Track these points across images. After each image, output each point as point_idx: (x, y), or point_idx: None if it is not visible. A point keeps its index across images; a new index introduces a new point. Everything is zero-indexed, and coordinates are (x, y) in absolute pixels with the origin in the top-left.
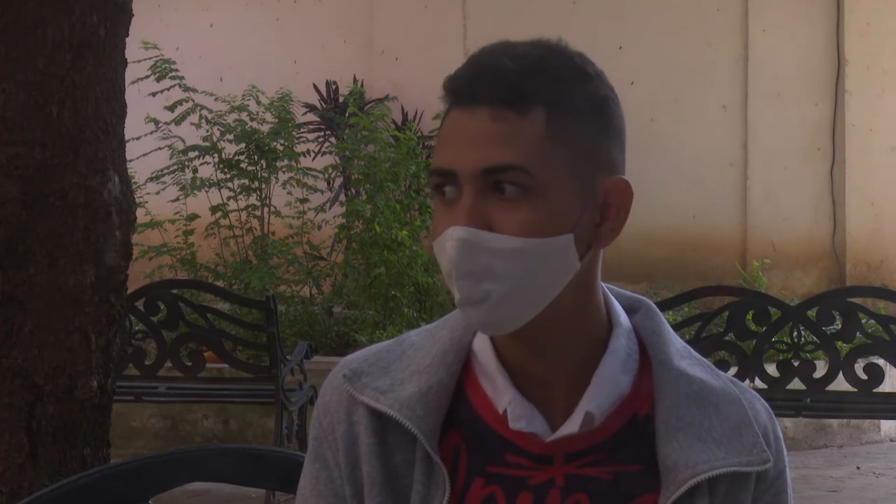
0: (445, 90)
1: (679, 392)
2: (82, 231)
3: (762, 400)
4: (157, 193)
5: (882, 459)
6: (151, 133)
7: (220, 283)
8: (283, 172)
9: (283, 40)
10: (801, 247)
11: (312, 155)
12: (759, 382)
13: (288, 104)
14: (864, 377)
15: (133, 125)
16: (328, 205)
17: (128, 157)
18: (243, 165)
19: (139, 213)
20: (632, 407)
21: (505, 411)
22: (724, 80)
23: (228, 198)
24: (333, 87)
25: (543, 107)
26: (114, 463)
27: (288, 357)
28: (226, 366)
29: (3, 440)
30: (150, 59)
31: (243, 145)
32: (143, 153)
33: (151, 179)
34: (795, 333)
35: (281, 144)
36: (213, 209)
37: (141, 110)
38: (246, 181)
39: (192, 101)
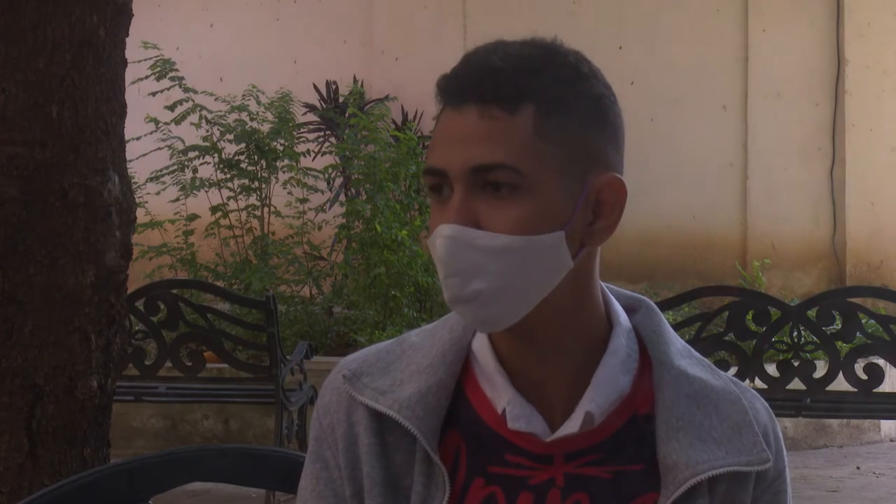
0: (437, 90)
1: (679, 391)
2: (82, 231)
3: (762, 400)
4: (157, 193)
5: (882, 459)
6: (151, 133)
7: (220, 284)
8: (283, 172)
9: (283, 40)
10: (801, 247)
11: (312, 155)
12: (759, 382)
13: (288, 104)
14: (864, 377)
15: (133, 125)
16: (328, 205)
17: (128, 157)
18: (243, 165)
19: (139, 213)
20: (632, 407)
21: (504, 411)
22: (724, 80)
23: (228, 198)
24: (333, 87)
25: (533, 105)
26: (114, 463)
27: (288, 357)
28: (226, 366)
29: (3, 440)
30: (150, 59)
31: (243, 145)
32: (143, 153)
33: (151, 179)
34: (795, 333)
35: (281, 144)
36: (213, 209)
37: (141, 110)
38: (246, 181)
39: (192, 101)
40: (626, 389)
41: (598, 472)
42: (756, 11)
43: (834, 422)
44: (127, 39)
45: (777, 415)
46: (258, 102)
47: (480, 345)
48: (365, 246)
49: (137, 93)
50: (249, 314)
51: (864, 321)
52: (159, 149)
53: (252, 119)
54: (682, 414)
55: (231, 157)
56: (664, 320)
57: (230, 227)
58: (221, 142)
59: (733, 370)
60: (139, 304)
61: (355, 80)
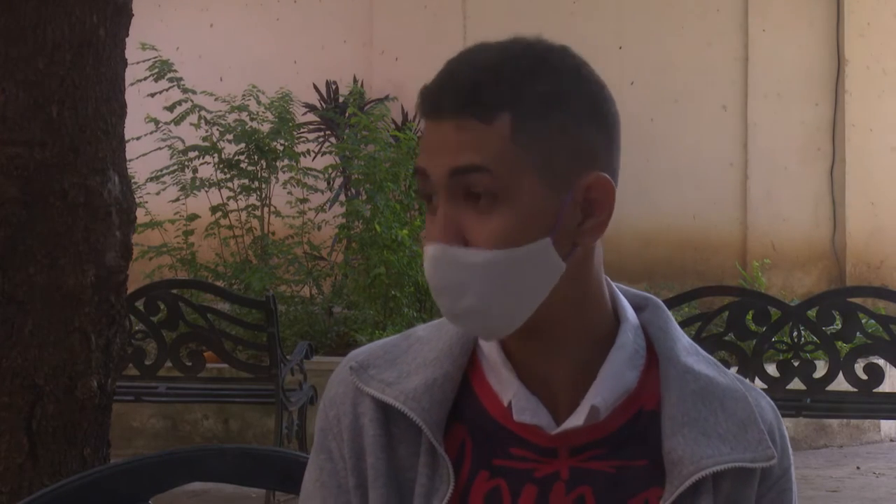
0: (418, 101)
1: (685, 388)
2: (82, 231)
3: (768, 398)
4: (157, 193)
5: (882, 459)
6: (151, 133)
7: (220, 283)
8: (284, 172)
9: (283, 40)
10: (801, 247)
11: (312, 155)
12: (759, 382)
13: (288, 104)
14: (864, 377)
15: (133, 125)
16: (328, 205)
17: (128, 157)
18: (243, 165)
19: (139, 213)
20: (638, 402)
21: (510, 404)
22: (724, 80)
23: (228, 198)
24: (333, 87)
25: (509, 113)
26: (114, 463)
27: (288, 357)
28: (226, 366)
29: (3, 440)
30: (149, 59)
31: (243, 145)
32: (143, 153)
33: (151, 179)
34: (795, 333)
35: (281, 144)
36: (213, 209)
37: (141, 110)
38: (246, 181)
39: (191, 101)
40: (632, 385)
41: (603, 466)
42: (756, 11)
43: (834, 422)
44: (127, 39)
45: None
46: (258, 102)
47: None
48: (365, 246)
49: (137, 93)
50: (249, 314)
51: (864, 321)
52: (159, 149)
53: (252, 119)
54: (688, 410)
55: (231, 157)
56: (671, 318)
57: (230, 227)
58: (221, 142)
59: (733, 370)
60: (139, 304)
61: (355, 80)
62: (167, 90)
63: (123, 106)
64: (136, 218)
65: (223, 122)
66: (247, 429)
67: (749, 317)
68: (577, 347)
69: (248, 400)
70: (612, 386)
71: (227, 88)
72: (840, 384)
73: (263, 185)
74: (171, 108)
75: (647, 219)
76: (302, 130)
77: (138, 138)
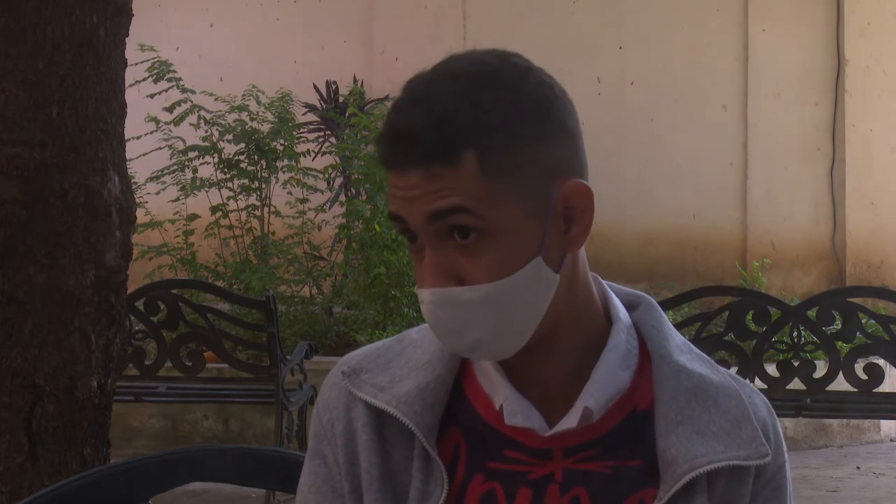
0: (377, 152)
1: (678, 386)
2: (82, 231)
3: (761, 395)
4: (157, 193)
5: (882, 459)
6: (151, 133)
7: (220, 283)
8: (283, 172)
9: (283, 40)
10: (801, 247)
11: (312, 155)
12: (759, 382)
13: (288, 104)
14: (864, 377)
15: (133, 125)
16: (328, 205)
17: (128, 157)
18: (243, 165)
19: (139, 213)
20: (631, 402)
21: (501, 407)
22: (724, 80)
23: (228, 198)
24: (333, 87)
25: (473, 149)
26: (114, 463)
27: (288, 357)
28: (226, 366)
29: (3, 440)
30: (148, 60)
31: (243, 145)
32: (143, 153)
33: (151, 179)
34: (795, 333)
35: (281, 144)
36: (213, 209)
37: (141, 110)
38: (246, 181)
39: (191, 101)
40: (625, 385)
41: (597, 467)
42: (756, 11)
43: (834, 422)
44: (127, 40)
45: (777, 415)
46: (258, 102)
47: None
48: (365, 246)
49: (137, 93)
50: (249, 314)
51: (864, 321)
52: (159, 149)
53: (252, 119)
54: (682, 408)
55: (231, 157)
56: (664, 316)
57: (230, 227)
58: (221, 142)
59: (733, 370)
60: (139, 304)
61: (355, 80)
62: (167, 91)
63: (123, 106)
64: (136, 218)
65: (223, 122)
66: (247, 429)
67: (749, 317)
68: (569, 349)
69: (248, 400)
70: (605, 387)
71: (227, 88)
72: (840, 384)
73: (263, 185)
74: (170, 109)
75: (647, 219)
76: (302, 130)
77: (138, 138)
